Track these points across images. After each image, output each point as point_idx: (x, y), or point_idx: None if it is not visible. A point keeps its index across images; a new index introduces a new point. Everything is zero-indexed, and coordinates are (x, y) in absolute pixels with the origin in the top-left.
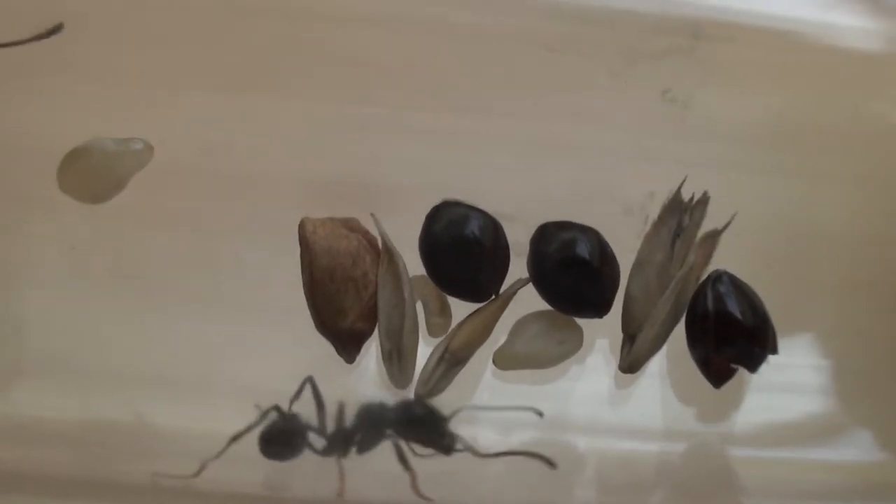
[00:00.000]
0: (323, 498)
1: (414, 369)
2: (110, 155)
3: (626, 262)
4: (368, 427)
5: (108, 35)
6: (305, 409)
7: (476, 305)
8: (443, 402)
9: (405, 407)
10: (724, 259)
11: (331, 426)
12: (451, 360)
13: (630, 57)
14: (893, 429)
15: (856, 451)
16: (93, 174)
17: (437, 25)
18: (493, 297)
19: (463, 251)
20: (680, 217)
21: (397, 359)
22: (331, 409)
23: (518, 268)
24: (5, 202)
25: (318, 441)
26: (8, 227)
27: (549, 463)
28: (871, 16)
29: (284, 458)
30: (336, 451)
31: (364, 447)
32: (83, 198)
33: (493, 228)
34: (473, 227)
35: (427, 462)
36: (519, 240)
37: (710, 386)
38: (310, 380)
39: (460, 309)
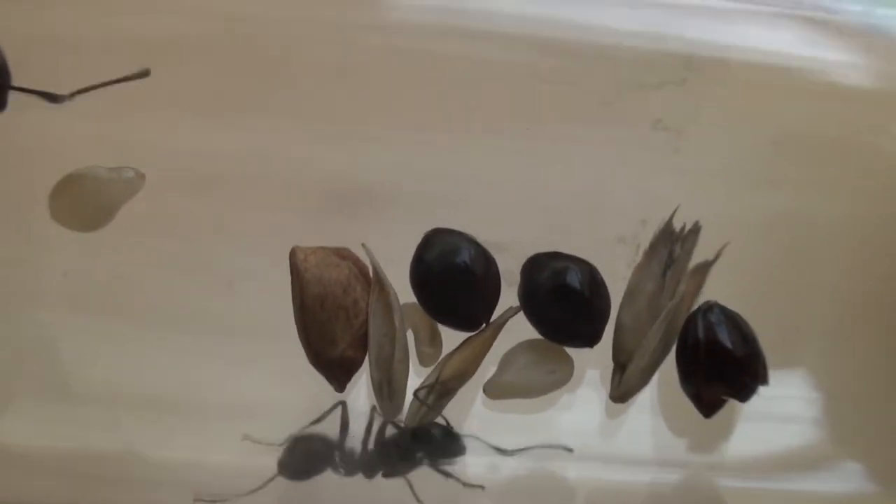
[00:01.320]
0: None
1: (404, 398)
2: (102, 182)
3: (617, 290)
4: (389, 459)
5: (112, 49)
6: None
7: (466, 334)
8: None
9: (424, 433)
10: (714, 289)
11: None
12: (442, 391)
13: (622, 88)
14: (884, 461)
15: (846, 483)
16: (84, 202)
17: (429, 56)
18: (484, 326)
19: (454, 280)
20: (671, 247)
21: (387, 388)
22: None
23: (509, 297)
24: None
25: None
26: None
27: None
28: (862, 52)
29: (301, 478)
30: (357, 472)
31: (390, 474)
32: (73, 225)
33: (485, 257)
34: (465, 255)
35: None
36: (510, 269)
37: (701, 416)
38: (342, 404)
39: (450, 338)
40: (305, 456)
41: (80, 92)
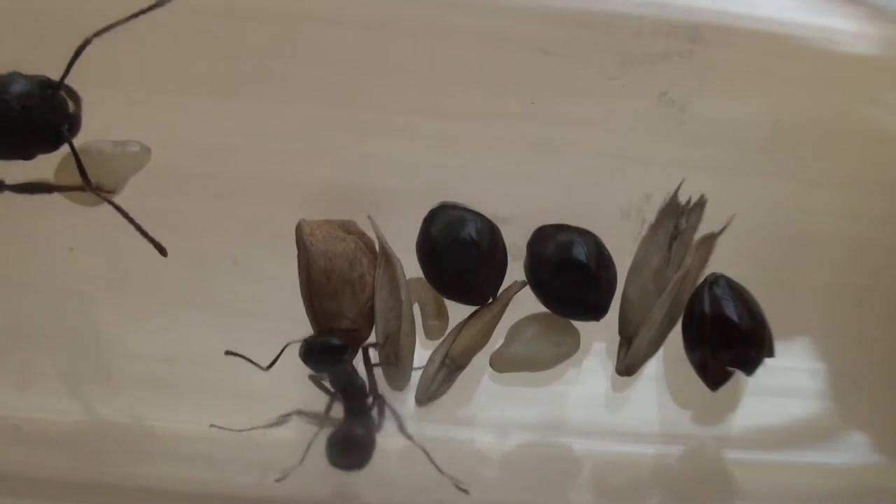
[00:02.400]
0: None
1: (411, 371)
2: (107, 157)
3: (623, 264)
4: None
5: (106, 38)
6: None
7: (472, 308)
8: (442, 403)
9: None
10: (720, 262)
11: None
12: (452, 366)
13: (627, 60)
14: (889, 432)
15: (852, 454)
16: (90, 176)
17: (434, 29)
18: (490, 300)
19: (460, 254)
20: (677, 220)
21: (394, 361)
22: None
23: (515, 271)
24: (3, 204)
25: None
26: (6, 228)
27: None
28: (869, 20)
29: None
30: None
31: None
32: (80, 200)
33: (491, 231)
34: (470, 229)
35: (422, 466)
36: (516, 242)
37: (707, 389)
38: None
39: (456, 311)
40: (354, 446)
41: (101, 191)
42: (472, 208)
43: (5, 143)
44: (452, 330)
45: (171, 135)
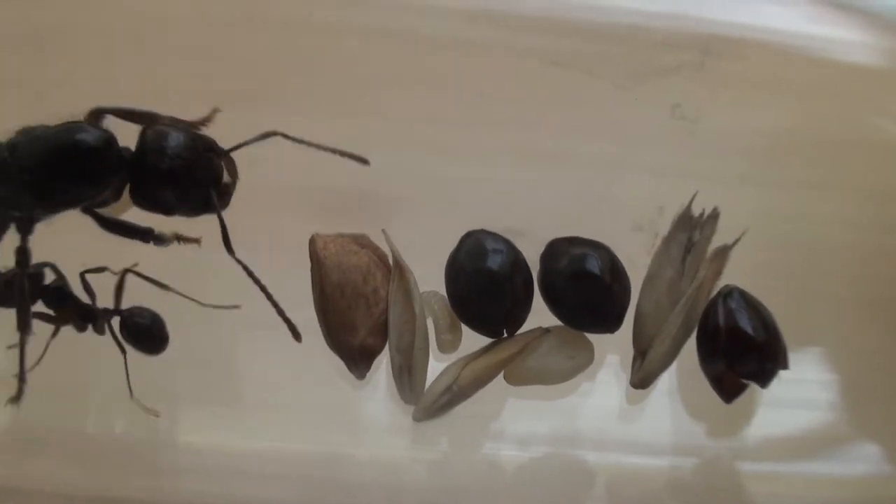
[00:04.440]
0: None
1: (424, 385)
2: None
3: (636, 277)
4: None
5: (110, 47)
6: None
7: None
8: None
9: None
10: (733, 274)
11: None
12: (458, 393)
13: (639, 72)
14: None
15: (866, 465)
16: None
17: (445, 40)
18: (505, 335)
19: (482, 284)
20: (690, 232)
21: (407, 374)
22: None
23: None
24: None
25: None
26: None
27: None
28: (878, 32)
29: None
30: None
31: None
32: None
33: (521, 267)
34: (497, 262)
35: (434, 476)
36: (529, 255)
37: (721, 401)
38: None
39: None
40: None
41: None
42: (510, 241)
43: (155, 194)
44: (466, 356)
45: None
